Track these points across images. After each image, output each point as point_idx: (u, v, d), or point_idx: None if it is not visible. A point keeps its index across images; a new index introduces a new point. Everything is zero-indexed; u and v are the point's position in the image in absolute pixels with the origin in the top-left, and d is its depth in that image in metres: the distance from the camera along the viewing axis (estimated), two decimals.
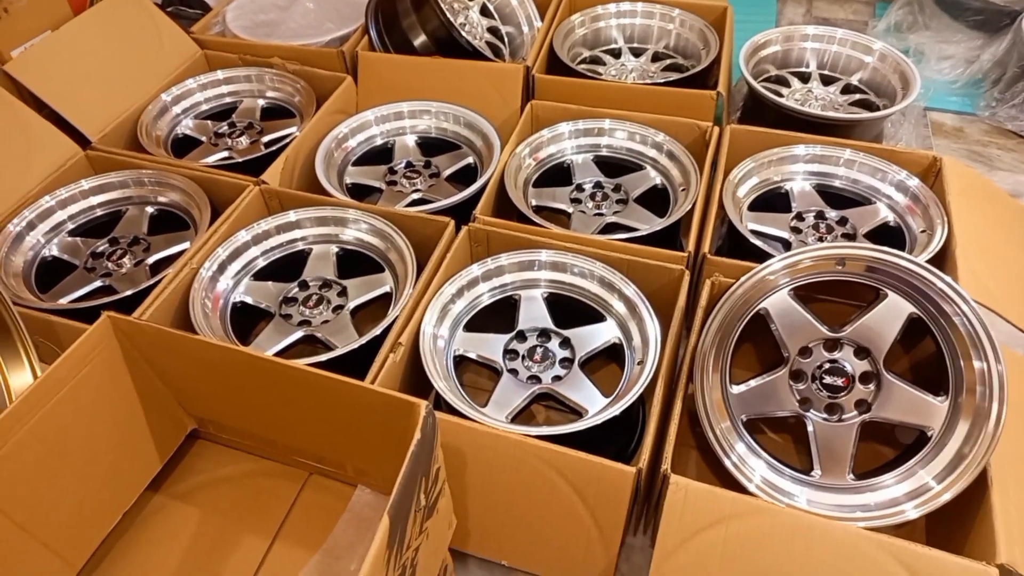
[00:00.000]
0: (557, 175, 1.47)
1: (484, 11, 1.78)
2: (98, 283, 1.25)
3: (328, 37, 1.69)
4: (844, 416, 0.98)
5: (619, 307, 1.16)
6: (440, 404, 1.04)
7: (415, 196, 1.43)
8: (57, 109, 1.41)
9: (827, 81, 1.66)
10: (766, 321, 1.00)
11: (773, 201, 1.39)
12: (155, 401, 0.96)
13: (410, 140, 1.56)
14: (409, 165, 1.51)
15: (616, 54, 1.77)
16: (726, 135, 1.41)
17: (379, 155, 1.54)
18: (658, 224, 1.29)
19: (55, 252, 1.30)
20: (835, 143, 1.38)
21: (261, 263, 1.25)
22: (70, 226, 1.33)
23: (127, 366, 0.90)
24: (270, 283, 1.24)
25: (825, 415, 0.98)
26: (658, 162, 1.44)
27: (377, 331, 1.08)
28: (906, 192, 1.29)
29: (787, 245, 1.28)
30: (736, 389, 1.00)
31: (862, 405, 0.97)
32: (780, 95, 1.62)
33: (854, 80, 1.65)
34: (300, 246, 1.29)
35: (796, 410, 0.99)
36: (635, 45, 1.78)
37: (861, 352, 0.98)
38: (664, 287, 1.18)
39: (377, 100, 1.58)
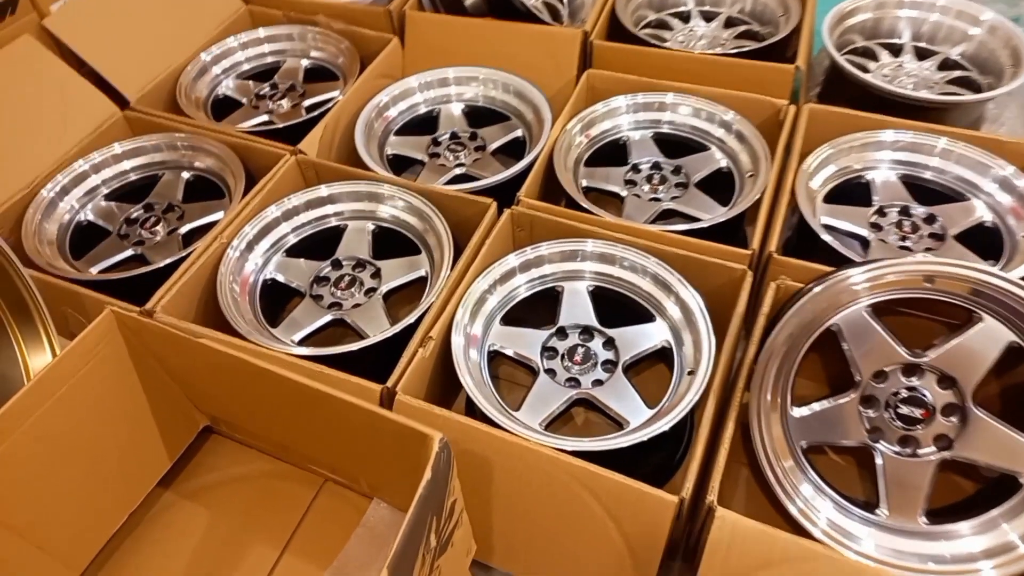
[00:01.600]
0: (612, 153, 1.36)
1: None
2: (130, 251, 1.21)
3: None
4: (920, 451, 0.87)
5: (672, 309, 1.06)
6: (471, 406, 0.97)
7: (458, 171, 1.34)
8: (96, 67, 1.37)
9: (922, 55, 1.49)
10: (836, 337, 0.89)
11: (852, 192, 1.25)
12: (164, 397, 0.92)
13: (456, 109, 1.46)
14: (454, 136, 1.41)
15: (685, 18, 1.62)
16: (803, 115, 1.27)
17: (423, 124, 1.45)
18: (720, 215, 1.18)
19: (90, 217, 1.27)
20: (929, 129, 1.22)
21: (292, 240, 1.20)
22: (104, 191, 1.29)
23: (133, 362, 0.86)
24: (302, 260, 1.18)
25: (898, 448, 0.87)
26: (725, 143, 1.31)
27: (408, 321, 1.01)
28: (1012, 191, 1.14)
29: (864, 244, 1.15)
30: (798, 412, 0.90)
31: (942, 440, 0.86)
32: (866, 70, 1.45)
33: (954, 54, 1.47)
34: (333, 222, 1.22)
35: (864, 441, 0.88)
36: (706, 8, 1.63)
37: (945, 381, 0.86)
38: (723, 287, 1.07)
39: (424, 63, 1.49)
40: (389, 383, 0.93)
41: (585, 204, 1.17)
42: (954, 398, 0.86)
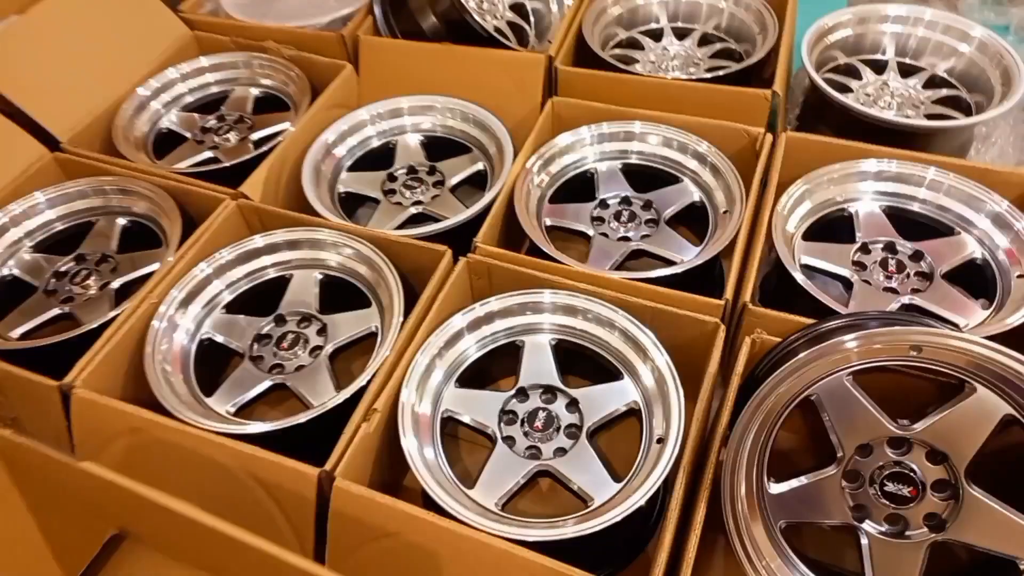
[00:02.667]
0: (578, 187, 1.27)
1: None
2: (57, 310, 1.12)
3: (329, 17, 1.50)
4: (909, 532, 0.79)
5: (640, 367, 0.98)
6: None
7: (415, 210, 1.25)
8: (21, 106, 1.27)
9: (907, 72, 1.40)
10: (815, 406, 0.81)
11: (834, 227, 1.17)
12: (57, 508, 0.82)
13: (412, 140, 1.37)
14: (411, 171, 1.33)
15: (657, 36, 1.53)
16: (780, 145, 1.18)
17: (379, 157, 1.36)
18: (691, 259, 1.09)
19: (15, 271, 1.18)
20: (914, 158, 1.14)
21: (228, 297, 1.10)
22: (28, 243, 1.20)
23: (12, 480, 0.76)
24: (242, 317, 1.10)
25: (885, 528, 0.79)
26: (698, 175, 1.23)
27: (352, 390, 0.93)
28: (1006, 229, 1.06)
29: (847, 285, 1.07)
30: (775, 489, 0.82)
31: (933, 520, 0.78)
32: (848, 89, 1.37)
33: (940, 71, 1.39)
34: (272, 273, 1.14)
35: (848, 520, 0.80)
36: (679, 25, 1.54)
37: (936, 455, 0.78)
38: (695, 339, 0.99)
39: (380, 91, 1.40)
40: (328, 466, 0.84)
41: (547, 249, 1.08)
42: (946, 474, 0.78)
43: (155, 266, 1.14)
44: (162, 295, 1.04)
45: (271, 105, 1.46)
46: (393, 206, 1.27)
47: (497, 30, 1.48)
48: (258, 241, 1.12)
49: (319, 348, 1.05)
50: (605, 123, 1.26)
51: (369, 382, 0.93)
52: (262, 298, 1.12)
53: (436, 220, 1.23)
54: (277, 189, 1.25)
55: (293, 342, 1.06)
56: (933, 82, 1.38)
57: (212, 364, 1.08)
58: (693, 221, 1.23)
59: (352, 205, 1.33)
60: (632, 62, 1.47)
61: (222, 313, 1.10)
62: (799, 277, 1.01)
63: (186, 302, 1.05)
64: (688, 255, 1.13)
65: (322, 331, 1.07)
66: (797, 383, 0.78)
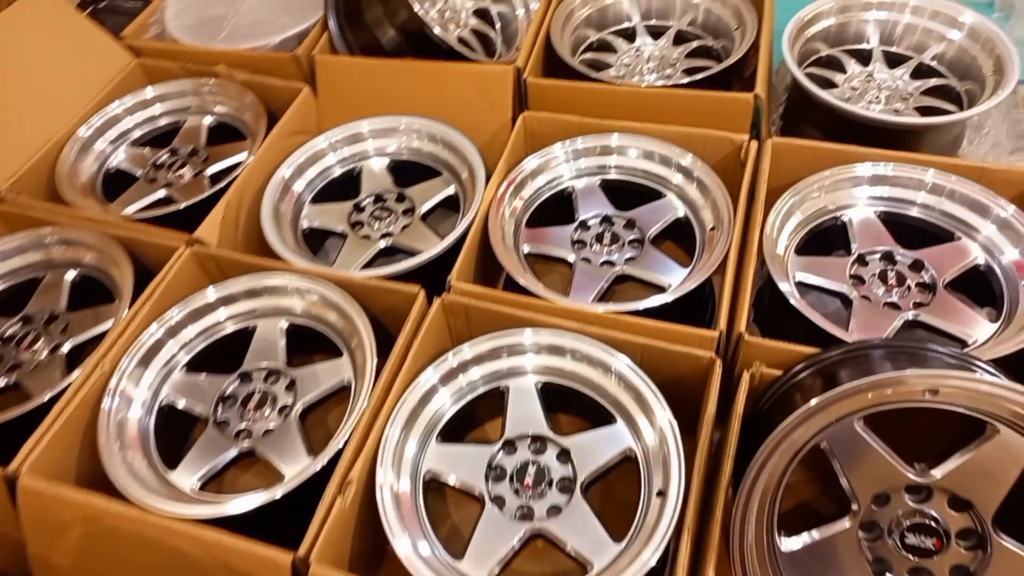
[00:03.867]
0: (555, 208, 1.20)
1: None
2: (3, 381, 1.04)
3: (283, 36, 1.41)
4: None
5: (633, 409, 0.91)
6: None
7: (385, 243, 1.17)
8: None
9: (893, 61, 1.34)
10: (824, 454, 0.75)
11: (827, 237, 1.10)
12: None
13: (378, 164, 1.29)
14: (379, 199, 1.25)
15: (630, 36, 1.45)
16: (766, 152, 1.11)
17: (343, 186, 1.28)
18: (678, 284, 1.03)
19: None
20: (909, 159, 1.08)
21: (185, 358, 1.02)
22: None
23: None
24: (203, 377, 1.02)
25: None
26: (681, 188, 1.16)
27: (323, 460, 0.86)
28: (1015, 238, 0.99)
29: (846, 302, 1.01)
30: (787, 546, 0.76)
31: (961, 573, 0.72)
32: (833, 84, 1.31)
33: (927, 58, 1.32)
34: (230, 327, 1.06)
35: None
36: (653, 23, 1.46)
37: (959, 503, 0.72)
38: (688, 374, 0.93)
39: (341, 113, 1.32)
40: (301, 551, 0.78)
41: (526, 283, 1.01)
42: (971, 523, 0.72)
43: (108, 323, 1.06)
44: (115, 361, 0.96)
45: (226, 134, 1.37)
46: (361, 240, 1.19)
47: (461, 40, 1.40)
48: (211, 295, 1.04)
49: (288, 407, 0.98)
50: (580, 138, 1.19)
51: (344, 447, 0.86)
52: (224, 353, 1.04)
53: (408, 254, 1.16)
54: (235, 230, 1.17)
55: (260, 402, 0.98)
56: (921, 71, 1.32)
57: (174, 432, 1.00)
58: (679, 237, 1.16)
59: (319, 239, 1.25)
60: (605, 67, 1.39)
61: (182, 374, 1.02)
62: (795, 301, 0.95)
63: (140, 369, 0.97)
64: (676, 278, 1.06)
65: (291, 387, 1.00)
66: (805, 432, 0.72)
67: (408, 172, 1.28)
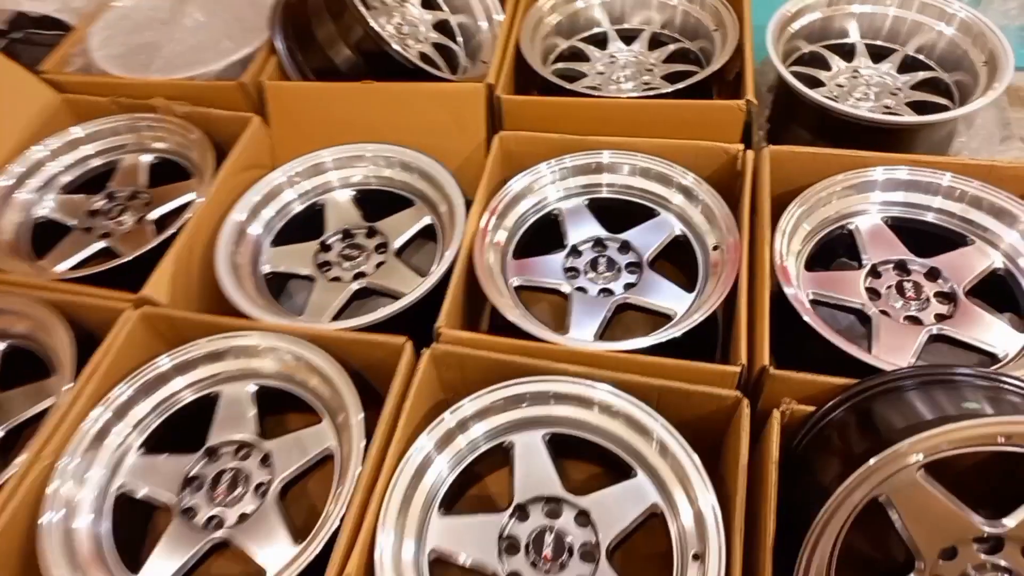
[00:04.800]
0: (544, 234, 1.11)
1: (427, 1, 1.37)
2: None
3: (225, 62, 1.28)
4: None
5: (654, 459, 0.82)
6: None
7: (358, 285, 1.06)
8: None
9: (877, 55, 1.28)
10: (883, 508, 0.67)
11: (835, 248, 1.04)
12: None
13: (343, 196, 1.18)
14: (347, 236, 1.14)
15: (601, 42, 1.37)
16: (764, 161, 1.04)
17: (306, 224, 1.16)
18: (685, 311, 0.95)
19: None
20: (930, 163, 1.01)
21: (138, 440, 0.90)
22: None
23: None
24: (164, 458, 0.90)
25: None
26: (675, 205, 1.08)
27: (311, 555, 0.75)
28: None
29: (864, 319, 0.94)
30: None
31: None
32: (818, 82, 1.24)
33: (912, 50, 1.27)
34: (189, 397, 0.94)
35: None
36: (624, 27, 1.38)
37: None
38: (709, 415, 0.85)
39: (298, 144, 1.20)
40: None
41: (523, 324, 0.92)
42: None
43: (49, 402, 0.93)
44: (55, 455, 0.83)
45: (169, 173, 1.24)
46: (332, 283, 1.08)
47: (423, 56, 1.30)
48: (164, 363, 0.92)
49: (264, 486, 0.86)
50: (568, 156, 1.10)
51: (334, 536, 0.75)
52: (185, 428, 0.92)
53: (385, 296, 1.05)
54: (189, 284, 1.05)
55: (232, 482, 0.87)
56: (907, 64, 1.26)
57: (135, 527, 0.88)
58: (677, 257, 1.08)
59: (279, 288, 1.13)
60: (579, 77, 1.31)
61: (138, 457, 0.89)
62: (816, 324, 0.87)
63: (85, 463, 0.84)
64: (680, 304, 0.98)
65: (266, 461, 0.89)
66: (863, 490, 0.64)
67: (377, 203, 1.17)
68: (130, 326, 0.95)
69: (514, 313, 0.93)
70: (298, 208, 1.16)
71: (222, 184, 1.13)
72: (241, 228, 1.09)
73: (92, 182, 1.24)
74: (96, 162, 1.25)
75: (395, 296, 1.04)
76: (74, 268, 1.11)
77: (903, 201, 1.01)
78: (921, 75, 1.23)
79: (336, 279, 1.08)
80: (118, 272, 1.04)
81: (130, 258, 1.05)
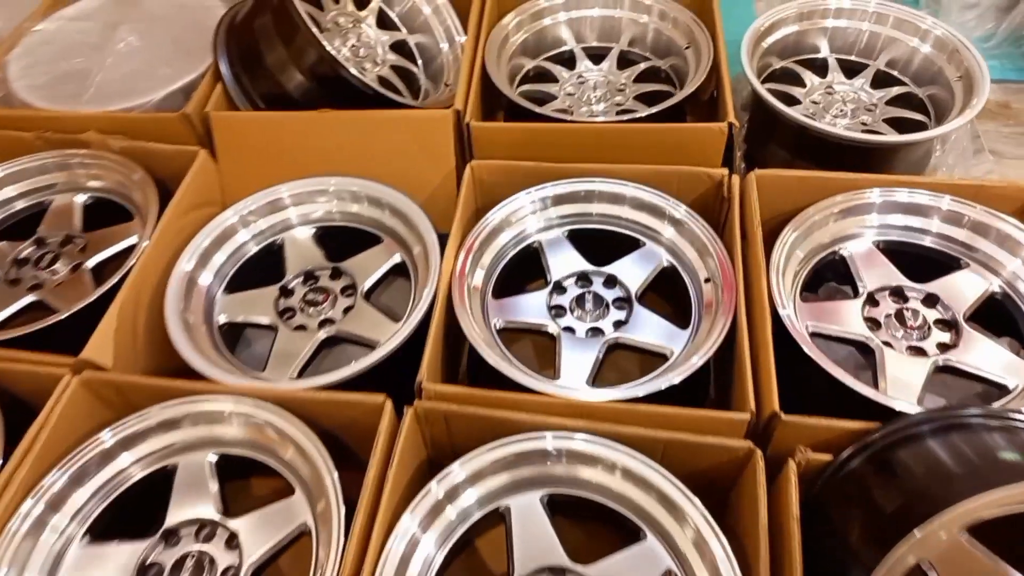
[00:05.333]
0: (524, 268, 1.04)
1: (383, 21, 1.29)
2: None
3: (165, 91, 1.18)
4: None
5: (666, 521, 0.76)
6: None
7: (325, 334, 0.97)
8: None
9: (850, 71, 1.26)
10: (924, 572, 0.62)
11: (826, 275, 1.00)
12: None
13: (303, 233, 1.09)
14: (310, 278, 1.05)
15: (569, 62, 1.31)
16: (751, 186, 0.99)
17: (263, 267, 1.07)
18: (682, 353, 0.90)
19: None
20: (929, 185, 0.98)
21: (80, 530, 0.79)
22: None
23: None
24: (114, 545, 0.79)
25: None
26: (663, 235, 1.02)
27: None
28: None
29: (866, 351, 0.90)
30: None
31: None
32: (794, 99, 1.21)
33: (883, 64, 1.25)
34: (139, 474, 0.83)
35: None
36: (592, 45, 1.33)
37: None
38: (715, 467, 0.80)
39: (251, 179, 1.10)
40: None
41: (509, 370, 0.84)
42: None
43: None
44: None
45: (107, 215, 1.12)
46: (295, 332, 0.98)
47: (382, 80, 1.22)
48: (106, 439, 0.81)
49: (232, 572, 0.77)
50: (548, 185, 1.03)
51: None
52: (137, 508, 0.82)
53: (358, 344, 0.97)
54: (135, 342, 0.94)
55: (196, 570, 0.77)
56: (879, 79, 1.25)
57: None
58: (665, 289, 1.03)
59: (235, 337, 1.04)
60: (547, 99, 1.25)
61: (83, 547, 0.79)
62: (827, 365, 0.82)
63: (16, 572, 0.73)
64: (676, 341, 0.92)
65: (232, 543, 0.79)
66: (907, 560, 0.59)
67: (341, 241, 1.09)
68: (70, 394, 0.84)
69: (505, 365, 0.85)
70: (254, 250, 1.06)
71: (168, 226, 1.03)
72: (191, 277, 0.98)
73: (17, 227, 1.12)
74: (20, 204, 1.13)
75: (367, 344, 0.96)
76: (0, 328, 0.99)
77: (901, 225, 0.98)
78: (895, 90, 1.22)
79: (301, 327, 0.99)
80: (53, 331, 0.92)
81: (67, 314, 0.94)
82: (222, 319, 1.00)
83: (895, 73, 1.23)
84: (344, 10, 1.24)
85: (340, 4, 1.24)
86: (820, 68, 1.27)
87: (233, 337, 1.04)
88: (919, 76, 1.21)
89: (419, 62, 1.29)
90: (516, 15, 1.26)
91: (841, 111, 1.20)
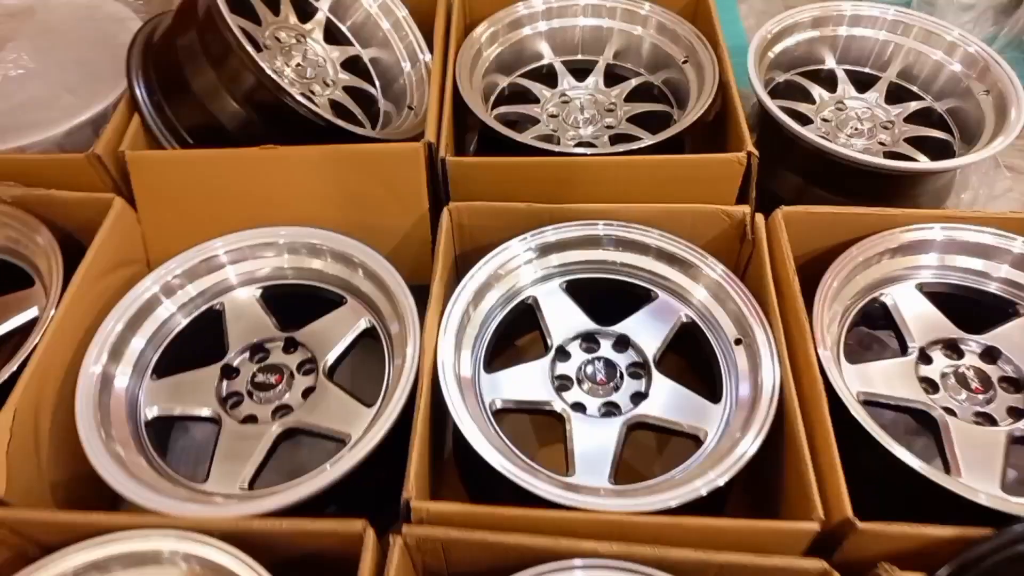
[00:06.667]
0: (518, 328, 0.89)
1: (332, 35, 1.11)
2: None
3: (69, 124, 0.98)
4: None
5: None
6: None
7: (280, 428, 0.79)
8: None
9: (860, 83, 1.14)
10: None
11: (871, 326, 0.88)
12: None
13: (246, 294, 0.91)
14: (257, 352, 0.86)
15: (548, 78, 1.15)
16: (779, 226, 0.85)
17: (199, 341, 0.88)
18: (727, 428, 0.75)
19: None
20: (997, 221, 0.85)
21: None
22: None
23: None
24: None
25: None
26: (679, 286, 0.88)
27: None
28: None
29: (928, 421, 0.77)
30: None
31: None
32: (804, 118, 1.09)
33: (894, 75, 1.14)
34: None
35: None
36: (575, 59, 1.17)
37: None
38: None
39: (180, 231, 0.92)
40: None
41: (519, 477, 0.68)
42: None
43: None
44: None
45: (2, 280, 0.92)
46: (244, 426, 0.80)
47: (334, 105, 1.04)
48: None
49: None
50: (548, 229, 0.88)
51: None
52: None
53: (319, 437, 0.79)
54: (38, 460, 0.74)
55: None
56: (892, 93, 1.13)
57: None
58: (685, 348, 0.88)
59: (163, 438, 0.85)
60: (528, 123, 1.09)
61: None
62: (895, 448, 0.69)
63: None
64: (708, 418, 0.78)
65: None
66: None
67: (294, 306, 0.90)
68: None
69: (522, 474, 0.68)
70: (183, 323, 0.87)
71: (78, 295, 0.83)
72: (105, 374, 0.78)
73: None
74: None
75: (334, 438, 0.79)
76: None
77: (963, 267, 0.85)
78: (913, 105, 1.10)
79: (250, 419, 0.81)
80: None
81: None
82: (151, 413, 0.81)
83: (911, 86, 1.12)
84: (286, 23, 1.05)
85: (281, 16, 1.05)
86: (826, 81, 1.15)
87: (166, 430, 0.85)
88: (937, 88, 1.09)
89: (377, 82, 1.11)
90: (489, 25, 1.09)
91: (856, 129, 1.07)
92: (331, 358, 0.85)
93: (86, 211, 0.91)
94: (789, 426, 0.71)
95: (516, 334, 0.98)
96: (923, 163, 0.98)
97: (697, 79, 1.04)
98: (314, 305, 0.90)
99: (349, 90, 1.08)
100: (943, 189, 1.05)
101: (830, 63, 1.16)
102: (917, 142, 1.05)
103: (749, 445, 0.70)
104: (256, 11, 1.02)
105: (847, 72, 1.14)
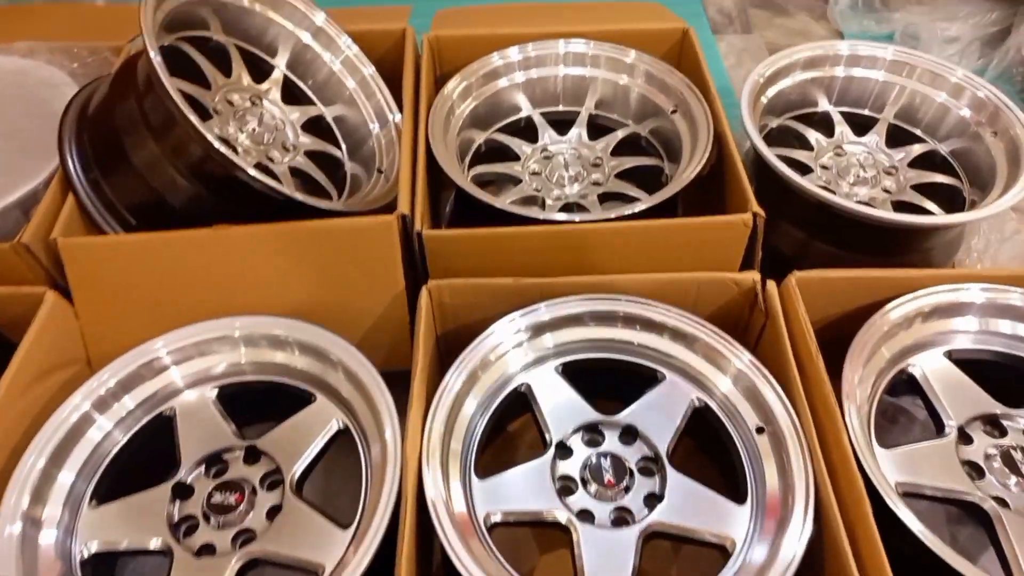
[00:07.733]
0: (511, 413, 0.79)
1: (291, 94, 1.01)
2: None
3: None
4: None
5: None
6: None
7: (245, 557, 0.68)
8: None
9: (858, 126, 1.07)
10: None
11: (902, 402, 0.79)
12: None
13: (198, 396, 0.80)
14: (213, 466, 0.75)
15: (528, 131, 1.07)
16: (793, 296, 0.77)
17: (144, 457, 0.76)
18: (757, 535, 0.66)
19: None
20: (967, 278, 0.79)
21: None
22: None
23: None
24: None
25: None
26: (689, 366, 0.79)
27: None
28: None
29: (980, 514, 0.69)
30: None
31: None
32: (804, 166, 1.02)
33: (892, 116, 1.07)
34: None
35: None
36: (558, 109, 1.08)
37: None
38: None
39: (124, 325, 0.82)
40: None
41: None
42: None
43: None
44: None
45: None
46: (200, 560, 0.68)
47: (295, 173, 0.95)
48: None
49: None
50: (542, 305, 0.79)
51: None
52: None
53: (290, 569, 0.68)
54: None
55: None
56: (892, 136, 1.06)
57: None
58: (696, 433, 0.79)
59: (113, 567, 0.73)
60: (507, 183, 1.00)
61: None
62: (943, 550, 0.61)
63: None
64: (734, 523, 0.68)
65: None
66: None
67: (255, 407, 0.80)
68: None
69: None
70: (122, 440, 0.75)
71: (6, 403, 0.72)
72: (32, 521, 0.67)
73: None
74: None
75: (304, 570, 0.68)
76: None
77: (1008, 333, 0.78)
78: (916, 149, 1.03)
79: (207, 549, 0.70)
80: None
81: None
82: (90, 549, 0.69)
83: (912, 128, 1.06)
84: (238, 85, 0.96)
85: (233, 77, 0.95)
86: (821, 124, 1.08)
87: (108, 568, 0.73)
88: (942, 131, 1.03)
89: (342, 144, 1.02)
90: (462, 79, 1.01)
91: (859, 177, 1.01)
92: (299, 469, 0.74)
93: (15, 307, 0.80)
94: (829, 532, 0.63)
95: (508, 419, 0.88)
96: (938, 216, 0.91)
97: (689, 130, 0.97)
98: (279, 403, 0.79)
99: (312, 155, 0.98)
100: (955, 240, 0.99)
101: (824, 105, 1.09)
102: (925, 189, 0.99)
103: (795, 554, 0.61)
104: (205, 74, 0.93)
105: (843, 114, 1.08)
